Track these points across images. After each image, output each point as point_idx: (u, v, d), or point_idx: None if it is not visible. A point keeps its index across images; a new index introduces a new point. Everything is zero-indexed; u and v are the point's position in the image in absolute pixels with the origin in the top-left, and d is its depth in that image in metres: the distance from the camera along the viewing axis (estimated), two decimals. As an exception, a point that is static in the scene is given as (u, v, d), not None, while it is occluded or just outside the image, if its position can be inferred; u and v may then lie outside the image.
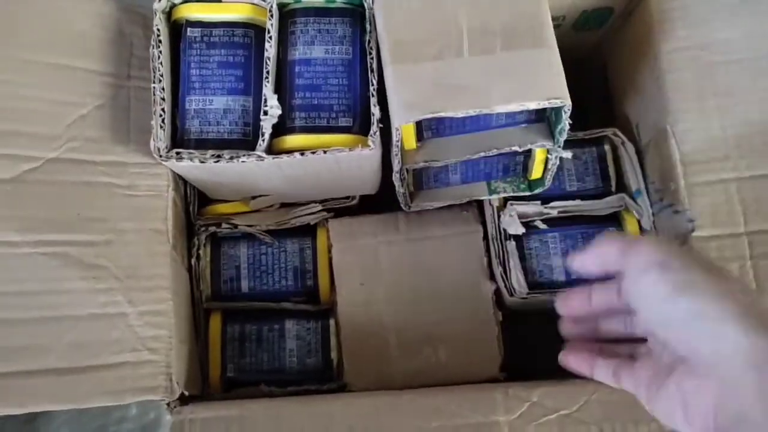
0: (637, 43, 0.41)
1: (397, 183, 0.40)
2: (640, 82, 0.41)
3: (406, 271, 0.44)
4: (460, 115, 0.34)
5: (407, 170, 0.40)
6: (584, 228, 0.43)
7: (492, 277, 0.43)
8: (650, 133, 0.40)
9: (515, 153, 0.39)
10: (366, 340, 0.43)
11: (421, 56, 0.36)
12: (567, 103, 0.34)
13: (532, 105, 0.34)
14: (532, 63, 0.35)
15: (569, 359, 0.32)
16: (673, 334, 0.26)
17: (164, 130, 0.37)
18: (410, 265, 0.44)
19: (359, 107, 0.38)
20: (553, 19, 0.37)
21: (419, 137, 0.39)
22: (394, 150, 0.37)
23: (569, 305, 0.32)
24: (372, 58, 0.38)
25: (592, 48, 0.49)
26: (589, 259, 0.29)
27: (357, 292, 0.44)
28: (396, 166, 0.38)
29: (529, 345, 0.42)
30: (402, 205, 0.42)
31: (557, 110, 0.36)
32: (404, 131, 0.36)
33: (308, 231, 0.47)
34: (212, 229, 0.45)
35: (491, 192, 0.43)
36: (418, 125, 0.38)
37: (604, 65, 0.48)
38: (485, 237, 0.44)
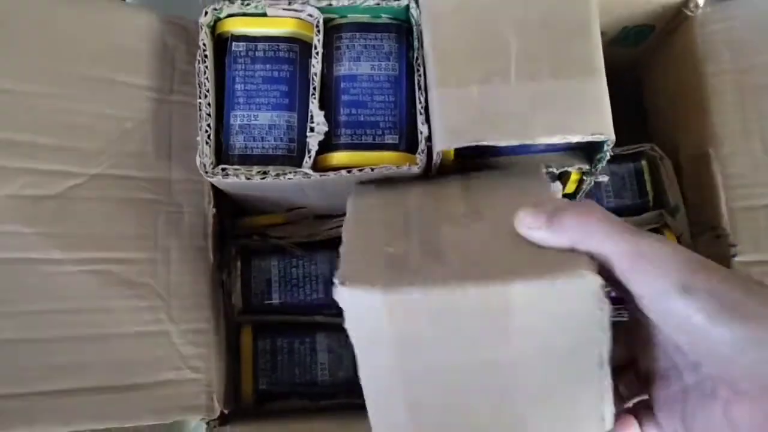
0: (678, 64, 0.41)
1: None
2: (681, 102, 0.41)
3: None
4: (502, 144, 0.34)
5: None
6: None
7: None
8: (691, 154, 0.41)
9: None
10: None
11: (468, 79, 0.35)
12: (611, 138, 0.34)
13: (576, 138, 0.34)
14: (579, 94, 0.34)
15: None
16: (715, 361, 0.24)
17: (210, 146, 0.36)
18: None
19: (405, 124, 0.38)
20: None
21: (457, 156, 0.39)
22: (433, 170, 0.37)
23: None
24: (420, 75, 0.37)
25: (626, 64, 0.49)
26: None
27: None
28: None
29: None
30: None
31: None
32: (444, 154, 0.36)
33: (338, 243, 0.47)
34: (243, 241, 0.45)
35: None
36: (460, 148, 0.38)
37: (638, 80, 0.49)
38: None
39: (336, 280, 0.26)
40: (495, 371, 0.27)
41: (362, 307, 0.26)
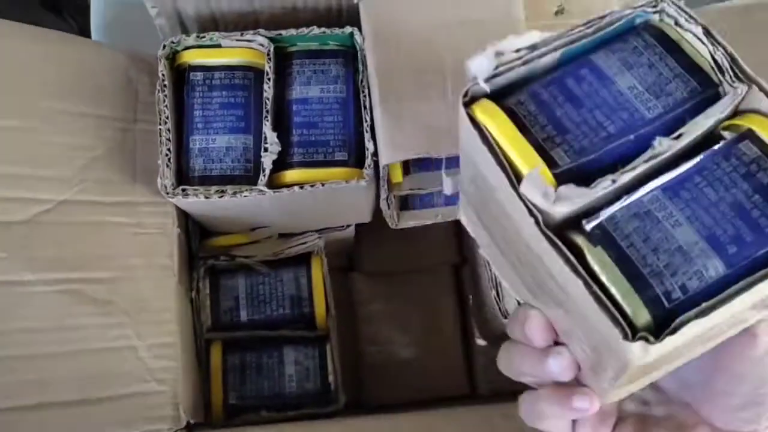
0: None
1: (383, 207, 0.42)
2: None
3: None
4: (443, 156, 0.37)
5: (394, 196, 0.42)
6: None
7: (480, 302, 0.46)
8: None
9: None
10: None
11: (407, 97, 0.38)
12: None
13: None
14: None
15: None
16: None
17: (170, 168, 0.39)
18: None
19: (354, 142, 0.40)
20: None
21: (406, 171, 0.42)
22: (382, 183, 0.40)
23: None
24: (365, 96, 0.40)
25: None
26: None
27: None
28: (383, 194, 0.41)
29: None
30: (390, 225, 0.45)
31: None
32: (390, 167, 0.39)
33: (303, 260, 0.49)
34: (211, 262, 0.47)
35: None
36: (405, 160, 0.40)
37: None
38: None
39: None
40: None
41: None
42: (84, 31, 0.52)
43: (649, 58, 0.23)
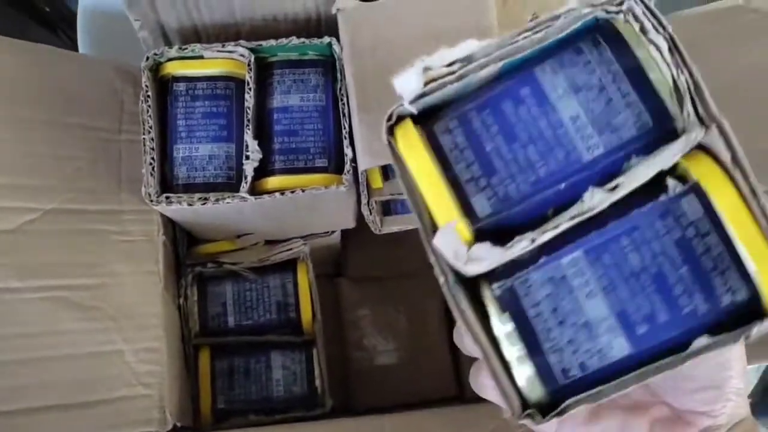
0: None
1: (365, 212, 0.43)
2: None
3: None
4: None
5: (375, 201, 0.43)
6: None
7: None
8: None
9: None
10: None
11: (385, 104, 0.39)
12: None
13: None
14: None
15: None
16: None
17: (154, 177, 0.40)
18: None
19: (334, 149, 0.41)
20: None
21: (386, 177, 0.43)
22: (362, 188, 0.41)
23: None
24: (344, 104, 0.41)
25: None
26: None
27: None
28: (363, 199, 0.42)
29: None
30: (372, 230, 0.45)
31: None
32: (369, 173, 0.40)
33: (289, 266, 0.50)
34: (198, 269, 0.48)
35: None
36: (384, 166, 0.41)
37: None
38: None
39: None
40: None
41: None
42: (78, 48, 0.54)
43: (601, 79, 0.20)
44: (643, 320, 0.19)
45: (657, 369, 0.19)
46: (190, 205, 0.39)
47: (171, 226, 0.45)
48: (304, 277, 0.49)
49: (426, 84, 0.21)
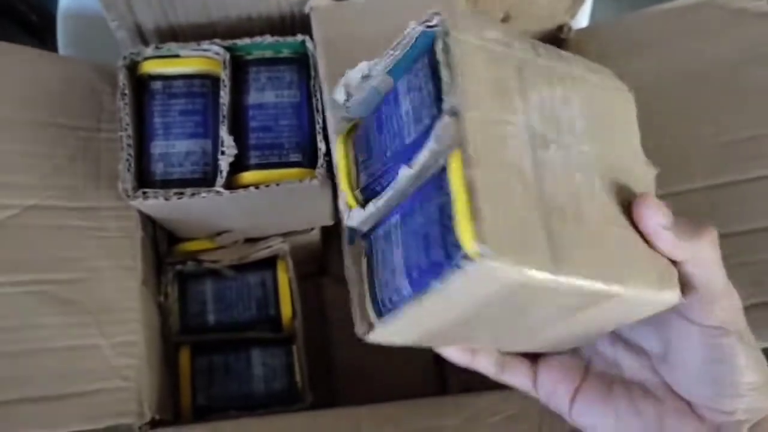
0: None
1: (341, 205, 0.44)
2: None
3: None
4: None
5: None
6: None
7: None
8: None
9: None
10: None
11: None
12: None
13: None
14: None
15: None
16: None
17: (131, 173, 0.40)
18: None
19: (308, 144, 0.42)
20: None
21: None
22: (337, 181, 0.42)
23: None
24: (317, 100, 0.42)
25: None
26: None
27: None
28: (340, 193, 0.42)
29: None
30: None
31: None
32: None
33: (268, 264, 0.51)
34: (179, 267, 0.49)
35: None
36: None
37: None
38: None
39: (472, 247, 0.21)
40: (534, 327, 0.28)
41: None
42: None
43: (421, 83, 0.25)
44: (415, 266, 0.24)
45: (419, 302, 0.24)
46: (167, 199, 0.40)
47: (150, 223, 0.46)
48: (284, 275, 0.50)
49: (348, 97, 0.28)
